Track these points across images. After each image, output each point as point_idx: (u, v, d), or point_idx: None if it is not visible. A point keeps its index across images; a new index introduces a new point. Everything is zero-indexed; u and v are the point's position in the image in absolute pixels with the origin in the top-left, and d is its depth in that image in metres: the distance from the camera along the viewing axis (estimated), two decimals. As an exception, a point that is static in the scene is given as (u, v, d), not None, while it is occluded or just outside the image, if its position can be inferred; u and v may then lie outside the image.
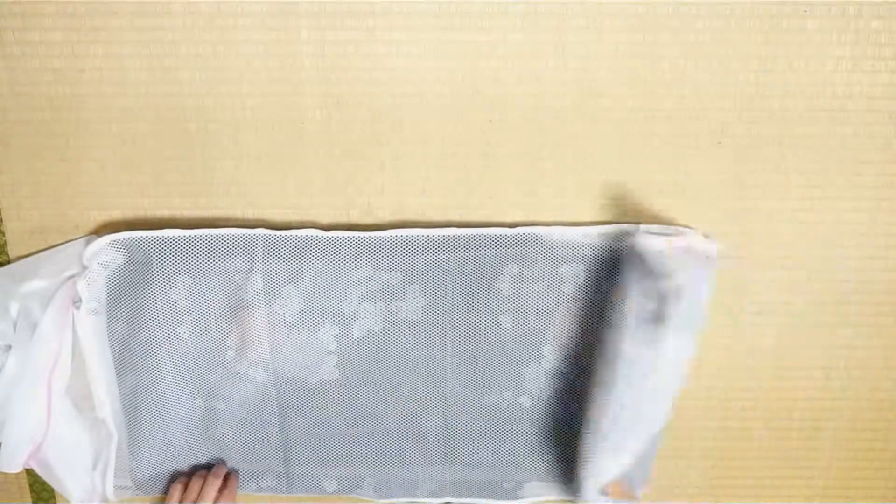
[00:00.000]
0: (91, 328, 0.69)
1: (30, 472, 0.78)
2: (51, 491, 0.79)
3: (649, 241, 0.64)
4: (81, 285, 0.67)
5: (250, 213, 0.70)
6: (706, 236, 0.68)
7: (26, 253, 0.71)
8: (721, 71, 0.66)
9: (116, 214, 0.70)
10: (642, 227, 0.68)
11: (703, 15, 0.65)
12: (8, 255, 0.71)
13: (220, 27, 0.65)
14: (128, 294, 0.69)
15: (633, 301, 0.65)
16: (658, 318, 0.64)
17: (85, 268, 0.68)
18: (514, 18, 0.65)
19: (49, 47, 0.65)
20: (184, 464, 0.76)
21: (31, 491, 0.80)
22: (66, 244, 0.70)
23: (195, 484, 0.73)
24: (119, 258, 0.68)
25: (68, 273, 0.68)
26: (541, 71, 0.66)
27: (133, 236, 0.68)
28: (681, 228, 0.69)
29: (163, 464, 0.76)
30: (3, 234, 0.71)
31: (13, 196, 0.70)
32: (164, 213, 0.70)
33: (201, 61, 0.66)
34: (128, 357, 0.71)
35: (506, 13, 0.64)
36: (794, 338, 0.75)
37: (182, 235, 0.68)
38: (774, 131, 0.68)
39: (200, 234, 0.68)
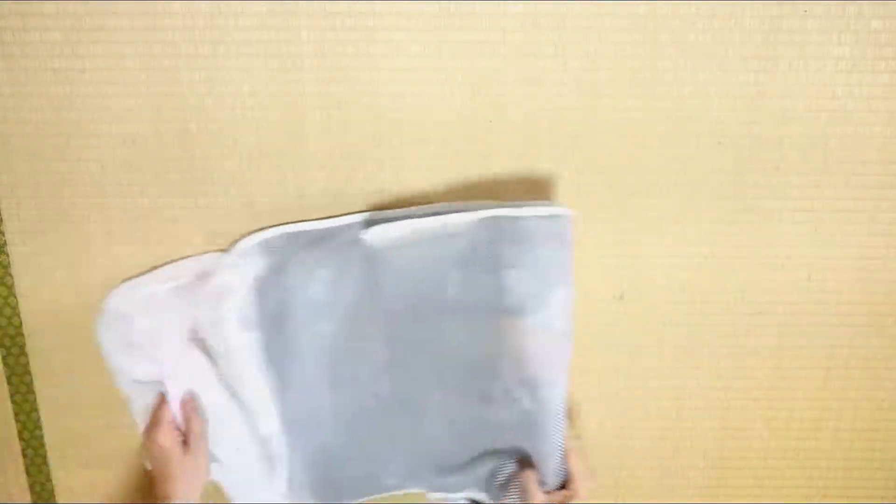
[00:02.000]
0: (246, 343, 0.67)
1: (30, 473, 0.78)
2: (51, 491, 0.79)
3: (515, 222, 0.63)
4: (232, 302, 0.65)
5: (250, 213, 0.70)
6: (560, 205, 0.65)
7: (26, 252, 0.71)
8: (721, 71, 0.66)
9: (116, 214, 0.70)
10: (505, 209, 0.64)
11: (703, 15, 0.65)
12: (8, 255, 0.71)
13: (220, 27, 0.65)
14: (274, 300, 0.67)
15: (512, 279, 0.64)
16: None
17: (230, 282, 0.66)
18: (514, 18, 0.65)
19: (49, 47, 0.65)
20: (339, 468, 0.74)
21: (32, 491, 0.80)
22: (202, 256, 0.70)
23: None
24: (261, 263, 0.67)
25: (206, 291, 0.67)
26: (541, 71, 0.66)
27: (275, 234, 0.67)
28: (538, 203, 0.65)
29: (317, 469, 0.73)
30: (3, 234, 0.71)
31: (13, 196, 0.70)
32: (164, 213, 0.70)
33: (201, 61, 0.66)
34: (279, 364, 0.68)
35: (506, 13, 0.64)
36: (794, 338, 0.75)
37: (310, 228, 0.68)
38: (774, 131, 0.68)
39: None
